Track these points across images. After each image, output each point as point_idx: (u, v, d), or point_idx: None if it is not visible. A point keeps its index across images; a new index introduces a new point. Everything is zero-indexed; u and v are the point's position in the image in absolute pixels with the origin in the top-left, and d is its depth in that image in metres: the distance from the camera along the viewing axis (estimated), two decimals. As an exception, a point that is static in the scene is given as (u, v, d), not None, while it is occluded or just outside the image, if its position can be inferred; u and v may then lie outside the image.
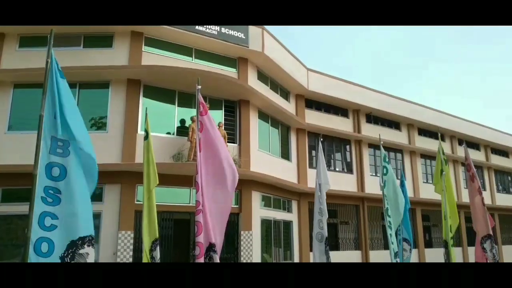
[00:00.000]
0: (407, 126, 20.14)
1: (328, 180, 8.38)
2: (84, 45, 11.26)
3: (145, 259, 6.46)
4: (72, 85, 10.99)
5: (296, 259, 14.16)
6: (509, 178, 26.74)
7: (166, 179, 9.42)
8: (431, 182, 20.49)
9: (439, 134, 10.33)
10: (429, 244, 19.88)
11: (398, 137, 19.37)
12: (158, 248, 6.55)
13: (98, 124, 10.99)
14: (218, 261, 5.31)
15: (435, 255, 18.96)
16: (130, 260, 10.13)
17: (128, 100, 11.00)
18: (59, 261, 4.04)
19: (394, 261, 7.13)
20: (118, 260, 10.04)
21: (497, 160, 25.38)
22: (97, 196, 10.48)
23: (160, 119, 11.32)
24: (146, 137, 6.98)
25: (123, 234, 10.23)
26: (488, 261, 11.76)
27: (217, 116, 12.00)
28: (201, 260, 5.14)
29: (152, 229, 6.54)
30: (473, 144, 23.58)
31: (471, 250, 19.93)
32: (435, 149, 20.70)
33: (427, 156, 20.76)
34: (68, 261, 4.08)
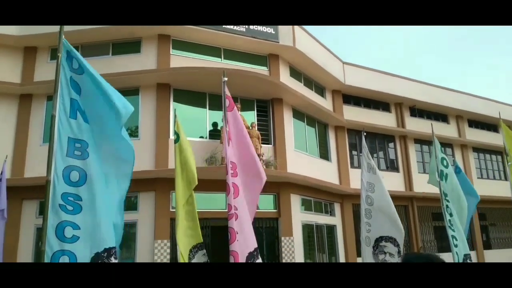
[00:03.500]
0: (455, 118, 18.69)
1: (380, 177, 7.60)
2: (113, 53, 11.13)
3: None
4: (103, 94, 11.04)
5: (342, 265, 13.28)
6: None
7: (201, 184, 8.84)
8: (486, 177, 18.91)
9: (501, 122, 9.16)
10: (487, 246, 18.26)
11: (446, 130, 17.98)
12: (201, 253, 6.02)
13: (130, 131, 10.76)
14: None
15: (494, 257, 17.39)
16: (167, 270, 9.72)
17: (159, 105, 10.73)
18: (82, 277, 3.54)
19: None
20: (155, 271, 9.67)
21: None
22: (132, 205, 10.23)
23: (191, 123, 10.95)
24: (177, 139, 6.57)
25: (159, 243, 9.87)
26: None
27: (250, 116, 11.47)
28: (236, 271, 4.56)
29: (195, 233, 6.00)
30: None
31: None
32: (488, 141, 19.18)
33: (480, 149, 19.18)
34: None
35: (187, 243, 6.04)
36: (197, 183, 6.02)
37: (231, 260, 4.52)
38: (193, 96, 11.11)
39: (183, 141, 6.58)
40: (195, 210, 6.21)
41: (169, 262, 9.77)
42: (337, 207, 13.95)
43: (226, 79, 5.38)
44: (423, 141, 17.14)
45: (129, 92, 10.97)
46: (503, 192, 18.46)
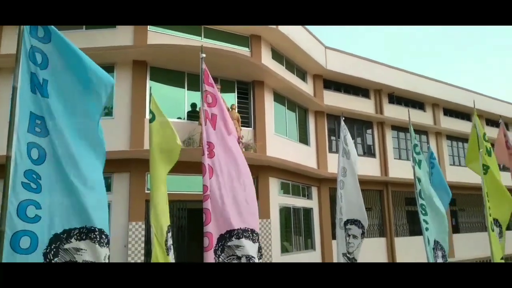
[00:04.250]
0: (432, 106, 18.99)
1: (356, 158, 7.69)
2: (87, 27, 10.63)
3: (158, 250, 5.80)
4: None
5: (318, 248, 13.45)
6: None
7: (178, 166, 8.75)
8: (458, 164, 19.41)
9: (473, 112, 9.31)
10: (456, 230, 18.87)
11: (422, 117, 18.26)
12: (169, 235, 5.97)
13: (104, 110, 10.40)
14: (253, 251, 4.60)
15: (461, 241, 18.02)
16: (142, 252, 9.60)
17: (135, 83, 10.37)
18: (41, 258, 3.33)
19: (429, 247, 6.29)
20: (129, 253, 9.53)
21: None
22: (105, 186, 9.96)
23: (169, 103, 10.66)
24: (153, 119, 6.33)
25: (134, 225, 9.69)
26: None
27: (230, 98, 11.27)
28: (211, 253, 4.47)
29: (166, 216, 5.90)
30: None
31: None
32: (462, 130, 19.63)
33: (454, 137, 19.63)
34: (51, 258, 3.36)
35: (164, 225, 5.93)
36: (178, 157, 5.86)
37: (206, 242, 4.41)
38: (171, 75, 10.80)
39: (160, 121, 6.36)
40: (166, 192, 6.07)
41: (143, 243, 9.63)
42: (314, 191, 14.04)
43: (204, 55, 5.17)
44: (400, 128, 17.38)
45: (104, 69, 10.46)
46: (473, 179, 18.99)
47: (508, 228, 9.81)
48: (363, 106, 16.31)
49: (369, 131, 16.73)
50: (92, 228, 3.54)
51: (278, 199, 11.84)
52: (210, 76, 5.09)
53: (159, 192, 5.90)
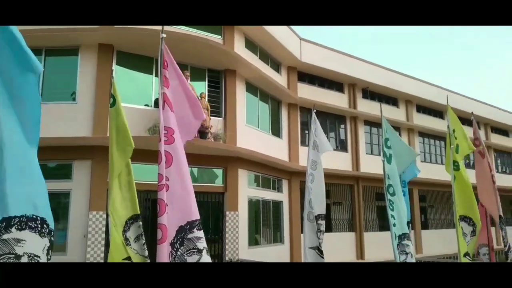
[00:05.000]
0: (405, 102, 19.14)
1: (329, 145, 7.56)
2: (49, 5, 10.02)
3: (116, 240, 5.45)
4: (37, 52, 9.93)
5: (287, 241, 13.34)
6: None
7: (143, 155, 8.41)
8: (429, 161, 19.70)
9: (447, 107, 9.29)
10: (425, 226, 19.19)
11: (395, 113, 18.37)
12: (136, 225, 5.58)
13: (66, 94, 9.88)
14: (200, 244, 4.35)
15: (429, 236, 18.34)
16: (102, 242, 9.20)
17: (100, 67, 9.89)
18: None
19: (396, 242, 6.21)
20: (89, 243, 9.12)
21: (497, 139, 24.72)
22: (65, 174, 9.49)
23: (136, 89, 10.27)
24: (113, 103, 5.95)
25: (94, 215, 9.27)
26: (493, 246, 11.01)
27: (200, 86, 10.93)
28: (164, 246, 4.19)
29: (132, 204, 5.53)
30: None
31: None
32: (434, 127, 19.89)
33: (425, 134, 19.89)
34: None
35: (123, 215, 5.58)
36: (133, 148, 5.50)
37: (159, 234, 4.13)
38: (139, 60, 10.35)
39: (120, 105, 6.00)
40: (133, 180, 5.72)
41: (103, 233, 9.23)
42: (285, 184, 13.90)
43: (164, 35, 4.84)
44: (372, 123, 17.42)
45: (67, 51, 10.04)
46: (443, 176, 19.33)
47: (508, 224, 10.06)
48: (337, 100, 16.24)
49: (342, 125, 16.70)
50: (34, 216, 3.27)
51: (247, 191, 11.62)
52: (171, 56, 4.77)
53: (117, 180, 5.57)
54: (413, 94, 18.73)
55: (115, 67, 10.05)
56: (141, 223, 5.51)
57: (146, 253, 5.52)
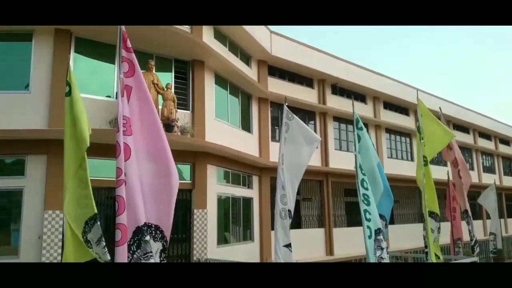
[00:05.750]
0: (373, 99, 19.29)
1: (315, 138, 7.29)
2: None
3: (71, 242, 4.91)
4: (-14, 36, 9.12)
5: (257, 239, 13.03)
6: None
7: (102, 149, 7.85)
8: (395, 157, 19.98)
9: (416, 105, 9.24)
10: (391, 221, 19.41)
11: (363, 110, 18.46)
12: (96, 226, 5.08)
13: (19, 82, 9.08)
14: (162, 246, 3.97)
15: (395, 231, 18.58)
16: (59, 244, 8.52)
17: (56, 55, 9.13)
18: None
19: (369, 239, 6.01)
20: (44, 245, 8.42)
21: (458, 136, 25.54)
22: (17, 169, 8.73)
23: (97, 80, 9.60)
24: (69, 92, 5.42)
25: (50, 214, 8.57)
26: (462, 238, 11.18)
27: (166, 77, 10.38)
28: (123, 248, 3.74)
29: (90, 203, 5.00)
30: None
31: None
32: (401, 124, 20.21)
33: (392, 131, 20.16)
34: None
35: (82, 214, 5.05)
36: (88, 144, 4.98)
37: (117, 235, 3.69)
38: (100, 49, 9.67)
39: (76, 95, 5.47)
40: (88, 177, 5.19)
41: (60, 234, 8.56)
42: (255, 180, 13.58)
43: (124, 28, 4.38)
44: (341, 119, 17.43)
45: (20, 37, 9.21)
46: (409, 172, 19.71)
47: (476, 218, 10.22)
48: (306, 95, 16.08)
49: (311, 121, 16.57)
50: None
51: (216, 188, 11.20)
52: (128, 41, 4.30)
53: (73, 177, 5.04)
54: (381, 90, 18.90)
55: (73, 54, 9.36)
56: (99, 223, 5.02)
57: (108, 257, 5.02)
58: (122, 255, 3.70)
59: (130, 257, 3.91)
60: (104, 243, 5.17)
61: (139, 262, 3.83)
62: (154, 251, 4.02)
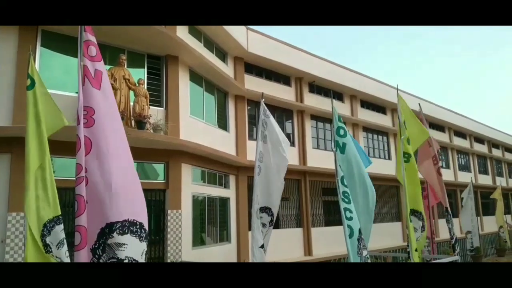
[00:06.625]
0: (350, 97, 19.33)
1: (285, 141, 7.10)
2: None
3: (31, 247, 4.54)
4: None
5: (234, 240, 12.76)
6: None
7: (68, 147, 7.41)
8: (372, 156, 20.06)
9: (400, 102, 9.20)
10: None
11: (341, 108, 18.42)
12: (58, 229, 4.72)
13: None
14: (137, 253, 3.66)
15: (374, 231, 18.64)
16: (23, 248, 8.02)
17: (21, 48, 8.62)
18: None
19: (349, 238, 5.84)
20: (8, 249, 7.92)
21: (434, 135, 25.98)
22: (-23, 169, 8.18)
23: (65, 75, 9.12)
24: (31, 85, 5.05)
25: (14, 216, 8.07)
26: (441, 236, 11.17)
27: (139, 73, 9.99)
28: (83, 253, 3.42)
29: (50, 205, 4.64)
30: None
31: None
32: (378, 122, 20.34)
33: (369, 129, 20.26)
34: None
35: (40, 216, 4.68)
36: (52, 133, 4.62)
37: (77, 238, 3.37)
38: (68, 42, 9.19)
39: (40, 90, 5.11)
40: (52, 177, 4.82)
41: (25, 238, 8.06)
42: (232, 179, 13.31)
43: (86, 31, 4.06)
44: (319, 118, 17.37)
45: (-20, 28, 8.67)
46: (386, 170, 19.85)
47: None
48: (284, 93, 15.92)
49: (289, 119, 16.43)
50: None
51: (191, 187, 10.86)
52: (93, 35, 3.98)
53: (34, 176, 4.67)
54: (358, 89, 18.95)
55: (40, 49, 8.87)
56: (62, 226, 4.68)
57: (69, 261, 4.68)
58: (83, 260, 3.37)
59: (96, 262, 3.59)
60: (66, 247, 4.81)
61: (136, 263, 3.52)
62: (140, 253, 3.70)
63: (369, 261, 6.11)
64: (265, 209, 7.38)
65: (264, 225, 7.56)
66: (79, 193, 3.42)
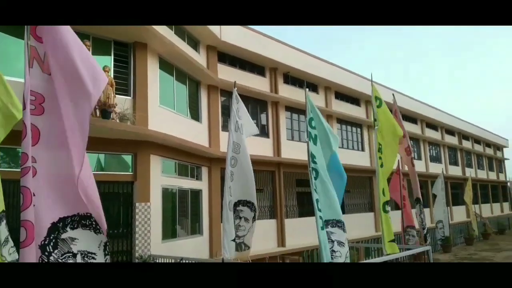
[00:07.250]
0: (324, 88, 19.29)
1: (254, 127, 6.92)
2: None
3: None
4: None
5: (206, 232, 12.52)
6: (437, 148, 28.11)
7: (15, 137, 6.96)
8: (346, 147, 20.17)
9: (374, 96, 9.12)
10: (342, 211, 19.64)
11: (315, 100, 18.26)
12: (3, 226, 4.39)
13: None
14: (93, 246, 3.39)
15: (346, 220, 18.82)
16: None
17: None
18: None
19: (321, 230, 5.70)
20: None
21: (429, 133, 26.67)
22: None
23: (21, 60, 8.54)
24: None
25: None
26: (416, 226, 11.31)
27: (105, 61, 9.52)
28: (29, 250, 3.09)
29: None
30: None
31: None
32: (352, 114, 20.42)
33: (343, 121, 20.33)
34: None
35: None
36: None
37: (22, 234, 3.04)
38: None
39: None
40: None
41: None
42: (204, 171, 13.02)
43: None
44: (293, 109, 17.25)
45: None
46: (360, 162, 20.01)
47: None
48: (258, 84, 15.69)
49: (263, 110, 16.23)
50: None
51: (161, 179, 10.51)
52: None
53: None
54: (333, 80, 18.92)
55: (-6, 32, 8.26)
56: (5, 221, 4.33)
57: (16, 256, 4.34)
58: (28, 258, 3.05)
59: (46, 259, 3.28)
60: (12, 244, 4.46)
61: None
62: (97, 245, 3.43)
63: (337, 255, 6.02)
64: (246, 203, 7.19)
65: (246, 219, 7.36)
66: (25, 185, 3.08)
